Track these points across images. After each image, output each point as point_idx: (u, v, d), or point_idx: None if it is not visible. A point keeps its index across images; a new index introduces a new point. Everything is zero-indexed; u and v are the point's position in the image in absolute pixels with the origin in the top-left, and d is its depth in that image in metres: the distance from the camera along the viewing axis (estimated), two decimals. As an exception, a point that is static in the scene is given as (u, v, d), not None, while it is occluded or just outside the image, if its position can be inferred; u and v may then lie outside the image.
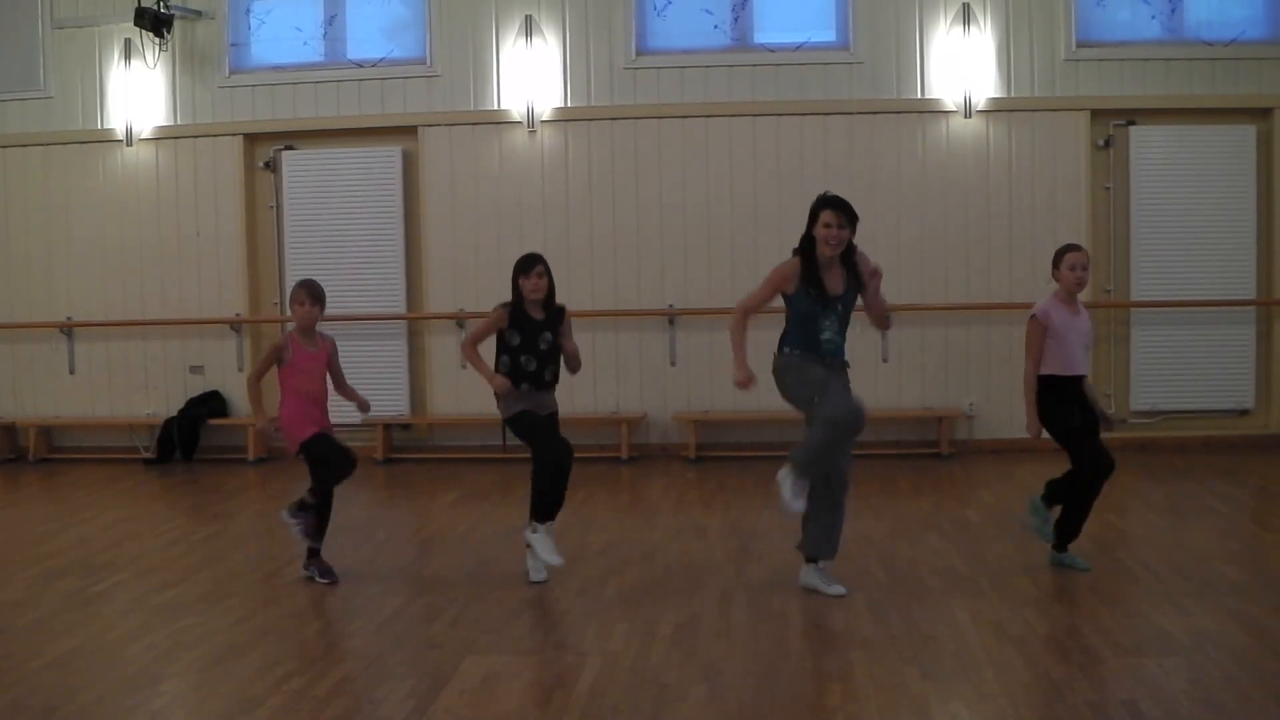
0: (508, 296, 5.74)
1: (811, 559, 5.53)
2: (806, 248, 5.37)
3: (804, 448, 5.33)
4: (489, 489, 8.52)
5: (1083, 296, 5.96)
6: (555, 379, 5.82)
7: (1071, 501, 5.79)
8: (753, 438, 9.59)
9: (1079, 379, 5.75)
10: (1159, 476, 8.33)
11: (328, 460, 5.81)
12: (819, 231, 5.31)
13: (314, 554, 5.92)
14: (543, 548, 5.70)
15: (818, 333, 5.35)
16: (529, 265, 5.71)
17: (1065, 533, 5.83)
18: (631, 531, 6.99)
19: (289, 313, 5.99)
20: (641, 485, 8.61)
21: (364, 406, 6.06)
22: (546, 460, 5.67)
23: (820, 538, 5.51)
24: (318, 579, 5.85)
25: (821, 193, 5.43)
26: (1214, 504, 7.50)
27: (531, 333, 5.70)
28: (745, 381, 5.34)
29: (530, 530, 5.74)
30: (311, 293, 5.85)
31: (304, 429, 5.79)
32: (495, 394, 5.76)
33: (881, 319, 5.58)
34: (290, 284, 9.88)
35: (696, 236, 9.72)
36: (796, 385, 5.40)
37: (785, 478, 5.34)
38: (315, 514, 5.86)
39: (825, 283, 5.36)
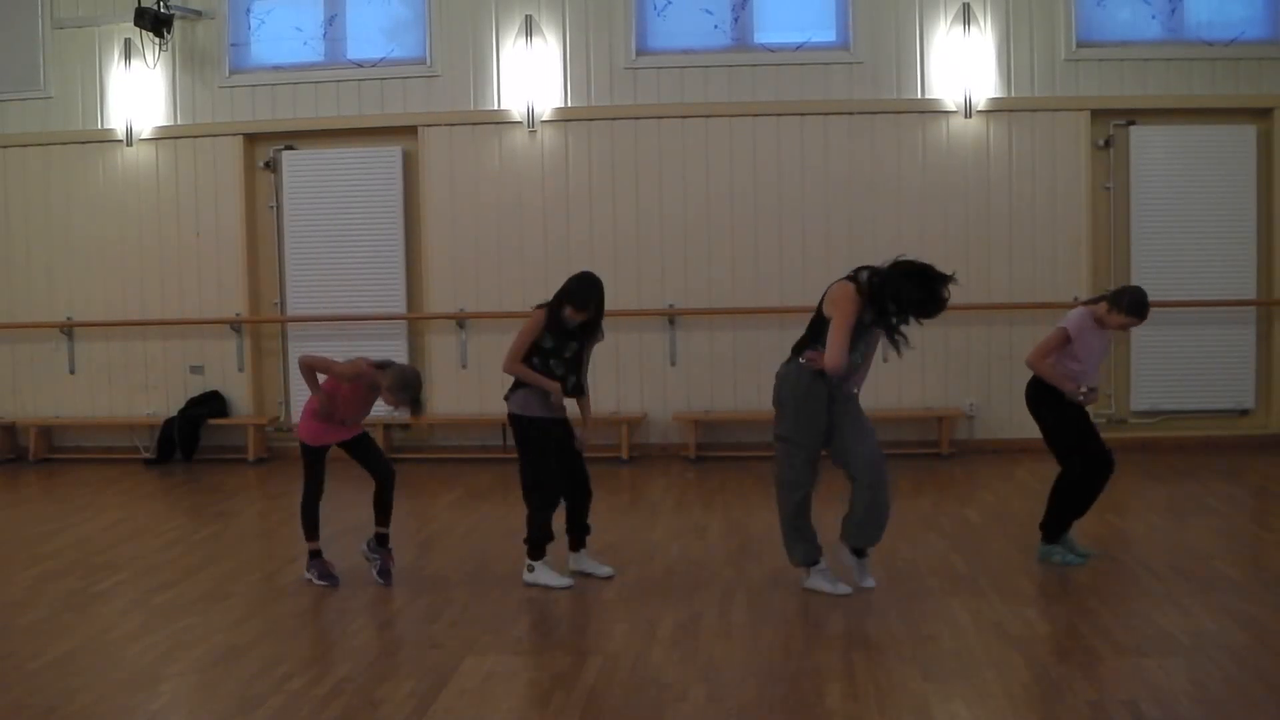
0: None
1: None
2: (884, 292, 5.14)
3: (785, 536, 5.43)
4: (489, 489, 8.52)
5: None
6: (580, 389, 5.77)
7: (1061, 501, 5.80)
8: (753, 438, 9.57)
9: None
10: (1159, 476, 8.33)
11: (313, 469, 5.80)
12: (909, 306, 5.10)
13: (315, 555, 5.91)
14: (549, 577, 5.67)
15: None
16: (584, 301, 5.59)
17: (1053, 526, 5.85)
18: (631, 531, 6.99)
19: (358, 375, 5.71)
20: (641, 485, 8.61)
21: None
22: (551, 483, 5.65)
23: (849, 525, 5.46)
24: (315, 581, 5.84)
25: (926, 275, 5.10)
26: (1214, 504, 7.50)
27: (561, 340, 5.65)
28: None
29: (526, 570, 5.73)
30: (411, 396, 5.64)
31: (319, 436, 5.78)
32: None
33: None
34: (290, 284, 10.08)
35: (696, 236, 9.71)
36: (794, 418, 5.34)
37: (810, 579, 5.42)
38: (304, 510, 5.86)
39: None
